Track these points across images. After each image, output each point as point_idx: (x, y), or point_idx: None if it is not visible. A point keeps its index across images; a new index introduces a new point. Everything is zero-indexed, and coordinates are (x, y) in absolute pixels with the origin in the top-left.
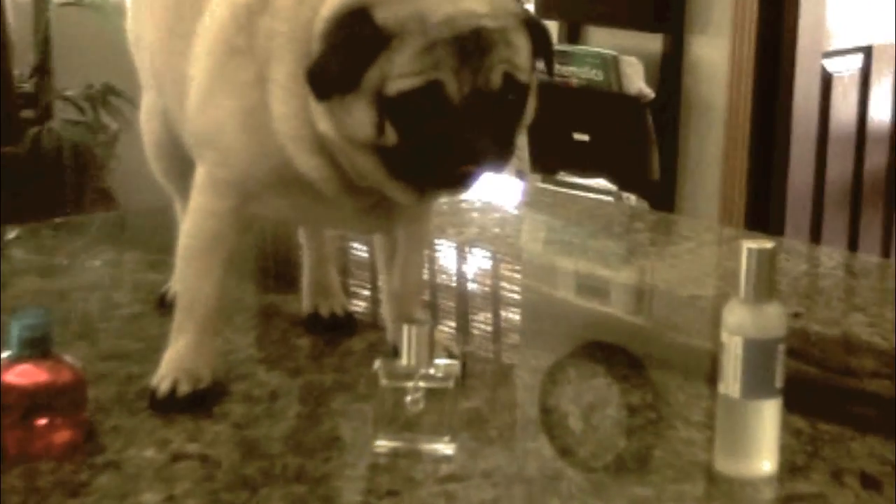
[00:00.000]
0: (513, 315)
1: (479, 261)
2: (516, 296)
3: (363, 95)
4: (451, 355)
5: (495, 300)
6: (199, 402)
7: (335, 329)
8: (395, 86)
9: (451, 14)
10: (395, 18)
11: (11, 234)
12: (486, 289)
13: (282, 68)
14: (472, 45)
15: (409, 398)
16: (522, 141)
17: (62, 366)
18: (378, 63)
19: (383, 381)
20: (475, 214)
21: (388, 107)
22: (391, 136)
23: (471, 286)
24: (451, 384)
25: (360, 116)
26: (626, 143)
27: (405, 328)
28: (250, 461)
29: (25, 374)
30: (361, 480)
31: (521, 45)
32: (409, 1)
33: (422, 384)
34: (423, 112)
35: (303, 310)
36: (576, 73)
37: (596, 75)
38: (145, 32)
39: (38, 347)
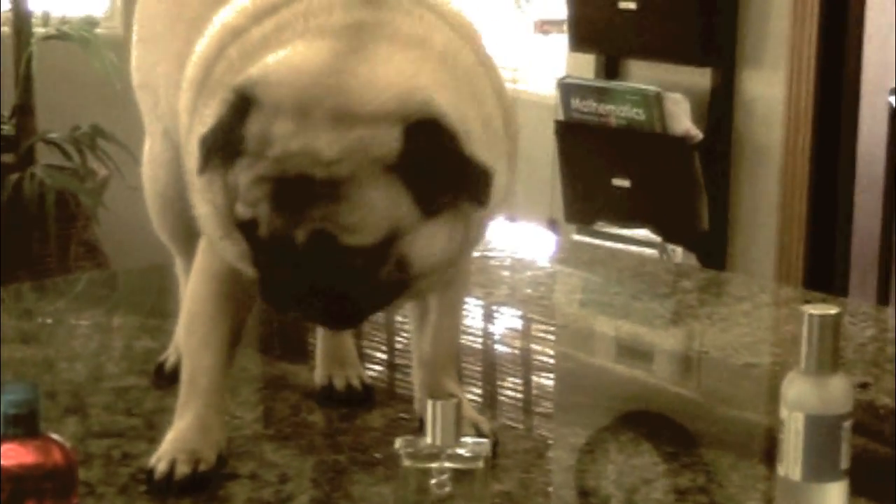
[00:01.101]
0: (545, 382)
1: (509, 322)
2: (549, 361)
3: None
4: (480, 432)
5: (526, 366)
6: (201, 484)
7: (351, 402)
8: (237, 207)
9: (287, 151)
10: (254, 131)
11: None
12: (517, 353)
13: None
14: (292, 192)
15: (434, 481)
16: (555, 187)
17: (51, 446)
18: (234, 170)
19: (406, 462)
20: (505, 273)
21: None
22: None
23: (499, 350)
24: (480, 465)
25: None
26: (672, 189)
27: (430, 403)
28: None
29: (11, 455)
30: None
31: (366, 200)
32: (276, 115)
33: (448, 465)
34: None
35: (315, 381)
36: (615, 112)
37: (637, 114)
38: (155, 71)
39: (25, 426)
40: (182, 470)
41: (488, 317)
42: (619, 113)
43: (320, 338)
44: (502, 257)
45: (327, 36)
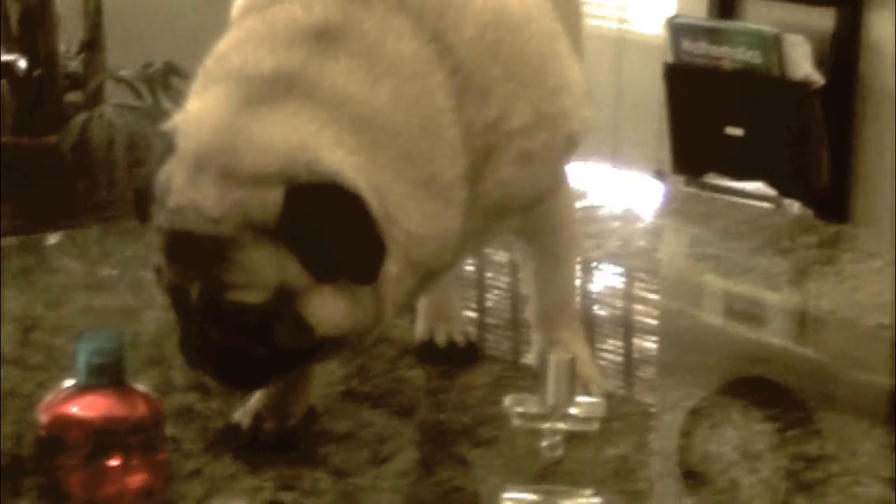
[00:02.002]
0: (648, 343)
1: (619, 276)
2: (661, 319)
3: None
4: (594, 392)
5: (628, 326)
6: (290, 442)
7: (453, 360)
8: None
9: (176, 205)
10: (162, 178)
11: (52, 239)
12: (629, 309)
13: None
14: (181, 246)
15: (545, 443)
16: (663, 136)
17: (137, 397)
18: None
19: (515, 422)
20: (616, 224)
21: None
22: None
23: (609, 307)
24: (595, 426)
25: None
26: (789, 139)
27: (542, 359)
28: None
29: (94, 407)
30: None
31: (248, 262)
32: (179, 165)
33: (561, 426)
34: None
35: (415, 336)
36: (729, 55)
37: (754, 57)
38: None
39: (109, 375)
40: (268, 426)
41: (586, 271)
42: (734, 56)
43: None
44: (612, 208)
45: (243, 84)
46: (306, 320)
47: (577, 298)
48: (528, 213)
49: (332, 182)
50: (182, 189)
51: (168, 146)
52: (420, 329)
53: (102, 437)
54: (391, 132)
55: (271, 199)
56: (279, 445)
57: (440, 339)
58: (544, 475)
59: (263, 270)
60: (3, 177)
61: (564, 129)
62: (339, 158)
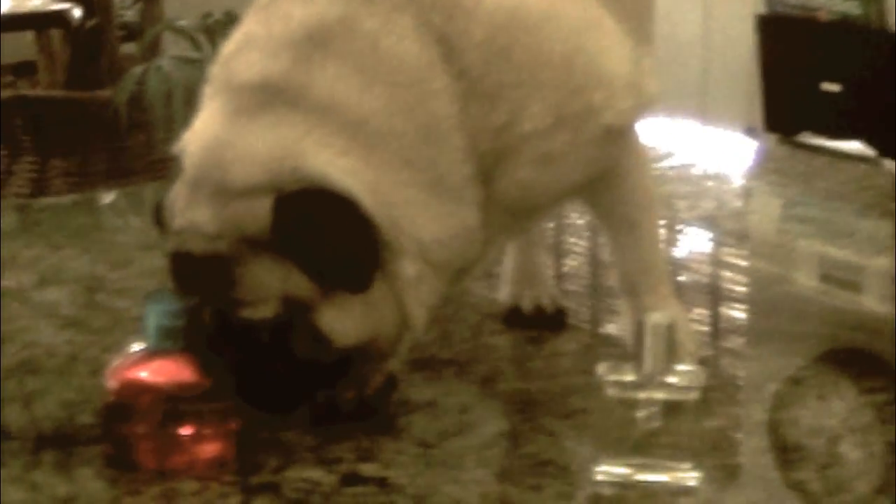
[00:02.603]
0: (736, 312)
1: (713, 238)
2: (742, 288)
3: None
4: (689, 360)
5: (715, 292)
6: (369, 411)
7: (541, 326)
8: None
9: (178, 227)
10: (169, 201)
11: (106, 198)
12: (705, 279)
13: None
14: (184, 270)
15: (641, 413)
16: (754, 91)
17: None
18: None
19: (609, 391)
20: (709, 184)
21: None
22: None
23: (688, 275)
24: (694, 397)
25: None
26: (890, 95)
27: (639, 324)
28: (440, 488)
29: (165, 372)
30: None
31: (250, 277)
32: (181, 185)
33: (658, 395)
34: None
35: (501, 300)
36: (826, 5)
37: (851, 8)
38: None
39: (180, 339)
40: (346, 394)
41: (671, 234)
42: (831, 6)
43: (509, 251)
44: (700, 167)
45: (234, 95)
46: (321, 331)
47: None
48: (589, 189)
49: (319, 186)
50: (182, 210)
51: (178, 170)
52: (505, 294)
53: (173, 404)
54: (386, 136)
55: (261, 211)
56: (358, 415)
57: (526, 304)
58: (639, 448)
59: (266, 284)
60: (55, 133)
61: (594, 126)
62: (326, 161)
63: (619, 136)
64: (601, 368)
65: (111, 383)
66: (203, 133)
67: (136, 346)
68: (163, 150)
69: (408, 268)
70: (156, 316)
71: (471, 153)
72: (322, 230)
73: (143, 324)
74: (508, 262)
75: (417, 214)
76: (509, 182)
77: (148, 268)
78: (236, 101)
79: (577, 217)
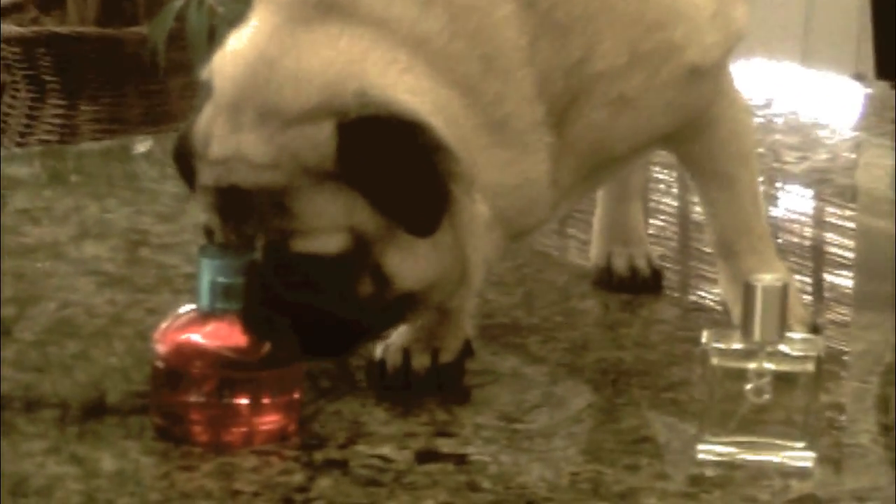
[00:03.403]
0: (842, 280)
1: (798, 200)
2: (848, 252)
3: None
4: (809, 328)
5: (818, 256)
6: (446, 382)
7: (635, 289)
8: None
9: (218, 156)
10: (201, 127)
11: (142, 146)
12: (807, 241)
13: None
14: (230, 202)
15: (750, 386)
16: (864, 32)
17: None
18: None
19: (714, 361)
20: (817, 134)
21: None
22: None
23: (786, 236)
24: (810, 368)
25: None
26: None
27: (746, 287)
28: (525, 466)
29: (220, 336)
30: (681, 499)
31: (311, 210)
32: (218, 110)
33: (769, 366)
34: None
35: (591, 260)
36: None
37: None
38: None
39: (236, 299)
40: (420, 361)
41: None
42: None
43: (600, 205)
44: (805, 116)
45: (281, 9)
46: (384, 270)
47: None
48: (677, 138)
49: (387, 112)
50: (223, 137)
51: (207, 95)
52: (596, 253)
53: (229, 371)
54: (449, 60)
55: (322, 138)
56: (433, 385)
57: (619, 265)
58: (747, 424)
59: (329, 215)
60: (85, 74)
61: (675, 65)
62: (392, 81)
63: (705, 77)
64: (706, 336)
65: (160, 348)
66: (246, 51)
67: (187, 307)
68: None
69: (477, 211)
70: (210, 272)
71: (540, 93)
72: (394, 161)
73: (196, 282)
74: (599, 217)
75: (483, 156)
76: (582, 128)
77: (196, 221)
78: (285, 12)
79: (663, 171)
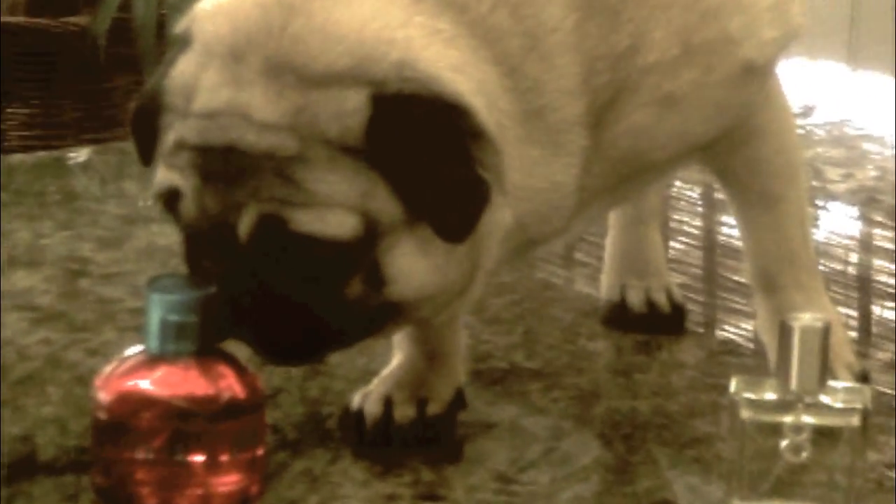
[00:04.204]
0: (892, 314)
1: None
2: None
3: None
4: (856, 375)
5: (865, 286)
6: (434, 436)
7: (653, 328)
8: (158, 171)
9: (207, 110)
10: (179, 79)
11: (79, 156)
12: (853, 269)
13: None
14: (219, 163)
15: (786, 442)
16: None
17: (228, 370)
18: (158, 132)
19: (745, 413)
20: (869, 146)
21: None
22: None
23: (828, 264)
24: (855, 422)
25: None
26: None
27: (782, 328)
28: None
29: (171, 382)
30: None
31: (322, 186)
32: (207, 59)
33: (808, 420)
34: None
35: (602, 294)
36: None
37: None
38: None
39: (191, 339)
40: (404, 412)
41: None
42: None
43: (612, 228)
44: (853, 124)
45: None
46: (383, 271)
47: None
48: (716, 150)
49: (428, 92)
50: (216, 89)
51: (182, 42)
52: (607, 285)
53: (182, 423)
54: (494, 32)
55: (350, 107)
56: (418, 439)
57: (635, 299)
58: (783, 487)
59: (343, 193)
60: (14, 72)
61: (730, 60)
62: (436, 55)
63: (757, 77)
64: (735, 384)
65: (102, 396)
66: None
67: (134, 349)
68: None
69: (501, 216)
70: (160, 309)
71: (583, 85)
72: (432, 149)
73: (144, 319)
74: (611, 242)
75: (511, 149)
76: (620, 130)
77: (144, 246)
78: None
79: (685, 187)
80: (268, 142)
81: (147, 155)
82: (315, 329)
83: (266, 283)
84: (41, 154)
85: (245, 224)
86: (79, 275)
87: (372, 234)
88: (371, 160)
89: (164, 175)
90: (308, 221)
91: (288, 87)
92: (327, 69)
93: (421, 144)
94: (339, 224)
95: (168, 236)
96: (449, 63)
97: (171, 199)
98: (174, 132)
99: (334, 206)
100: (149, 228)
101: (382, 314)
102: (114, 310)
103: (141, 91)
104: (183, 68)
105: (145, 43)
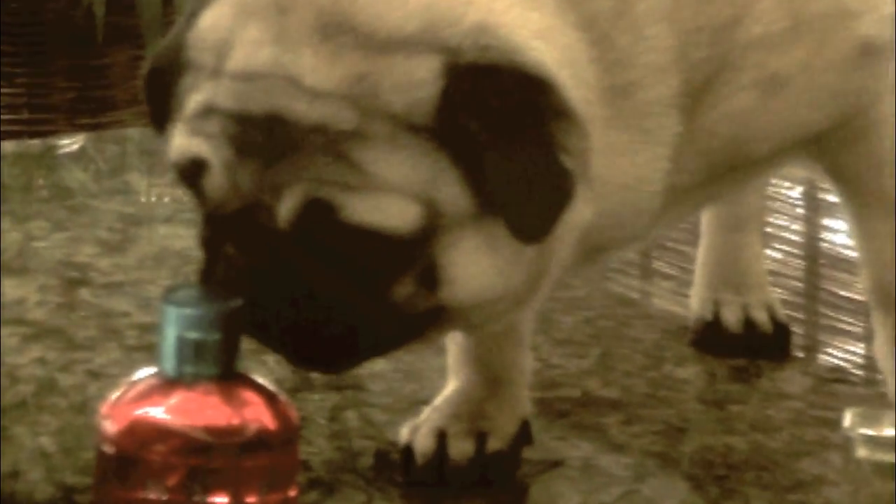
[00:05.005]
0: None
1: None
2: None
3: None
4: None
5: None
6: (497, 476)
7: (752, 351)
8: (175, 139)
9: (246, 70)
10: (202, 36)
11: (73, 144)
12: None
13: None
14: (257, 134)
15: None
16: None
17: (257, 397)
18: (177, 93)
19: (860, 452)
20: None
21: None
22: None
23: None
24: None
25: None
26: None
27: None
28: None
29: (190, 411)
30: None
31: (383, 166)
32: (246, 15)
33: None
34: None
35: (692, 311)
36: None
37: None
38: None
39: (212, 361)
40: (461, 448)
41: None
42: None
43: (705, 236)
44: None
45: None
46: (440, 272)
47: None
48: (828, 143)
49: (509, 64)
50: (256, 44)
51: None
52: (698, 301)
53: (202, 458)
54: None
55: (419, 77)
56: (476, 480)
57: (730, 318)
58: None
59: (406, 178)
60: None
61: (845, 37)
62: (518, 20)
63: (876, 59)
64: (849, 417)
65: (108, 426)
66: None
67: (144, 371)
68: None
69: (580, 214)
70: (177, 324)
71: (677, 61)
72: (516, 130)
73: (157, 337)
74: (704, 252)
75: (594, 132)
76: (718, 116)
77: (153, 251)
78: None
79: (783, 186)
80: (320, 112)
81: (161, 121)
82: (351, 333)
83: (303, 278)
84: (29, 142)
85: (286, 208)
86: (77, 284)
87: (432, 228)
88: (440, 140)
89: (186, 142)
90: (362, 210)
91: (345, 50)
92: (393, 32)
93: (500, 124)
94: (397, 214)
95: (182, 238)
96: (532, 28)
97: (193, 171)
98: (201, 94)
99: (393, 192)
100: (158, 230)
101: (427, 318)
102: (119, 325)
103: (162, 45)
104: (213, 20)
105: (149, 11)
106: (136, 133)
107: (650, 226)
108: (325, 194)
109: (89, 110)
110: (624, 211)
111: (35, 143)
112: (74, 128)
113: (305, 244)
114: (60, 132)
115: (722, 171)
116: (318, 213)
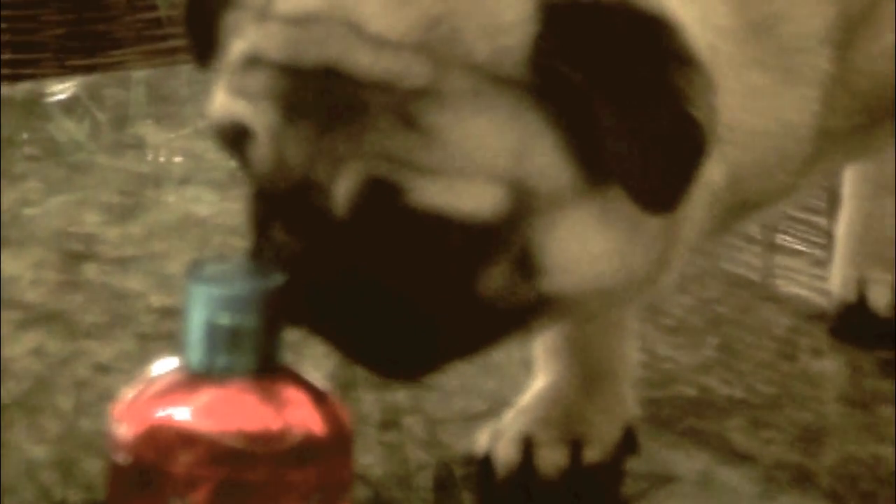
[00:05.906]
0: None
1: None
2: None
3: None
4: None
5: None
6: (594, 491)
7: None
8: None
9: (301, 11)
10: None
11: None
12: None
13: None
14: (311, 92)
15: None
16: None
17: (302, 395)
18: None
19: None
20: None
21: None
22: None
23: None
24: None
25: None
26: None
27: None
28: None
29: (221, 413)
30: None
31: (462, 135)
32: None
33: None
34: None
35: (831, 292)
36: None
37: None
38: None
39: (250, 351)
40: (552, 458)
41: None
42: None
43: (846, 204)
44: None
45: None
46: (536, 260)
47: None
48: None
49: (625, 4)
50: None
51: None
52: (839, 281)
53: (236, 469)
54: None
55: (509, 19)
56: (570, 496)
57: (879, 299)
58: None
59: (491, 150)
60: None
61: None
62: None
63: None
64: None
65: (122, 431)
66: None
67: (165, 364)
68: (167, 18)
69: (711, 174)
70: (205, 306)
71: None
72: (626, 81)
73: (181, 322)
74: (845, 223)
75: (726, 77)
76: (878, 50)
77: (172, 219)
78: None
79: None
80: (386, 65)
81: (204, 57)
82: (431, 334)
83: (367, 269)
84: (13, 87)
85: (344, 189)
86: (81, 258)
87: (523, 209)
88: (535, 96)
89: (227, 104)
90: (434, 192)
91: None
92: None
93: (610, 73)
94: (477, 196)
95: (204, 204)
96: None
97: (235, 137)
98: (245, 41)
99: (472, 168)
100: (175, 193)
101: (525, 311)
102: (133, 308)
103: None
104: None
105: None
106: (143, 76)
107: (799, 176)
108: (388, 173)
109: (83, 49)
110: (768, 160)
111: (19, 89)
112: (65, 70)
113: (368, 231)
114: (49, 75)
115: (879, 115)
116: (381, 196)
